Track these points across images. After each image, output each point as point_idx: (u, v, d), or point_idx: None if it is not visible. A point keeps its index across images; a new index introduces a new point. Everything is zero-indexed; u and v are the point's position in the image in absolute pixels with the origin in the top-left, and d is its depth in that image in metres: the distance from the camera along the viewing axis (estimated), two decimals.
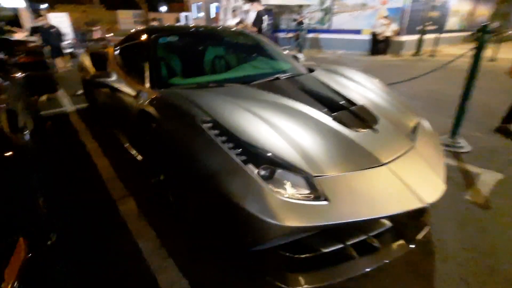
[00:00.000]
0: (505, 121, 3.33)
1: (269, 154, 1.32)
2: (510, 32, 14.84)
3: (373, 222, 1.46)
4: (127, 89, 2.25)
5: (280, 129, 1.49)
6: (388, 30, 10.43)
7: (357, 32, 11.77)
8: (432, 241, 1.77)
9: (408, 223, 1.62)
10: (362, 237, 1.42)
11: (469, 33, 14.07)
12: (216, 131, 1.41)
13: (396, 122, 1.84)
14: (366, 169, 1.41)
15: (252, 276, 1.50)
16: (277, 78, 2.28)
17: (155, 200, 2.14)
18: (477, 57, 2.71)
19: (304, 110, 1.71)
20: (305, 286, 1.27)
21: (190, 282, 1.50)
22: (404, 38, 10.94)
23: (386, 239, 1.52)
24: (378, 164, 1.46)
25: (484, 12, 16.00)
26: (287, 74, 2.41)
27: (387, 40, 10.68)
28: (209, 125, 1.45)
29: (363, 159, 1.46)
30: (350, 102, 1.92)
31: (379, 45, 10.73)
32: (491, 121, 3.74)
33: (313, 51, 13.01)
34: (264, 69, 2.56)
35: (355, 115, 1.75)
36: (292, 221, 1.16)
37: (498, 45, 9.15)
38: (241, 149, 1.33)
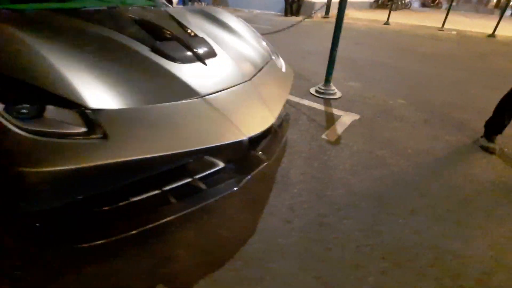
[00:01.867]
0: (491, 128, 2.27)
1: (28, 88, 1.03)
2: (404, 1, 16.61)
3: (202, 163, 1.37)
4: None
5: (65, 61, 1.19)
6: None
7: None
8: (276, 176, 1.80)
9: (245, 159, 1.58)
10: (185, 181, 1.31)
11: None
12: None
13: (240, 58, 1.73)
14: (174, 101, 1.25)
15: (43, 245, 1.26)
16: (116, 7, 1.92)
17: None
18: (339, 15, 2.78)
19: (121, 41, 1.44)
20: (103, 240, 1.11)
21: None
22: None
23: (219, 178, 1.45)
24: (194, 96, 1.31)
25: None
26: (134, 5, 2.05)
27: (299, 1, 10.76)
28: None
29: (177, 92, 1.30)
30: (190, 35, 1.71)
31: (292, 6, 10.78)
32: (368, 72, 4.10)
33: (230, 9, 12.42)
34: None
35: (188, 47, 1.55)
36: (48, 164, 0.94)
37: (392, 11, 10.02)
38: None
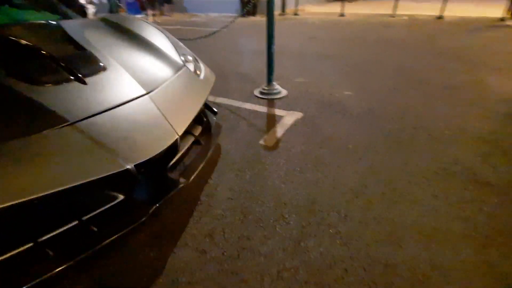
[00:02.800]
0: None
1: None
2: None
3: (91, 201, 1.16)
4: None
5: None
6: None
7: None
8: (201, 196, 1.60)
9: (153, 185, 1.38)
10: (66, 226, 1.09)
11: None
12: None
13: (140, 70, 1.53)
14: (32, 134, 1.03)
15: None
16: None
17: None
18: (269, 20, 2.64)
19: None
20: None
21: None
22: None
23: (118, 213, 1.24)
24: (61, 124, 1.09)
25: None
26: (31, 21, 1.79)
27: (254, 1, 10.66)
28: None
29: (37, 121, 1.07)
30: (74, 52, 1.49)
31: (248, 6, 10.67)
32: (318, 66, 4.01)
33: (186, 15, 12.14)
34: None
35: (63, 66, 1.33)
36: None
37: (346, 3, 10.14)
38: None
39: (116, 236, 1.18)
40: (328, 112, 2.57)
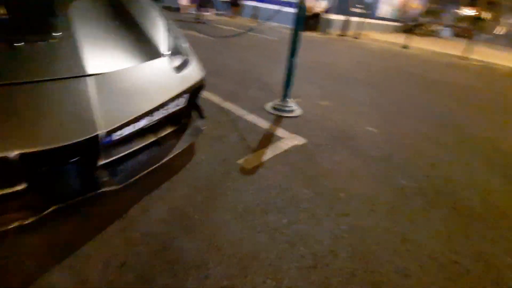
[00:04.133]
0: None
1: None
2: (435, 28, 15.78)
3: None
4: None
5: None
6: (317, 6, 10.13)
7: (291, 4, 11.30)
8: (126, 212, 1.32)
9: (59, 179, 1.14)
10: None
11: (401, 23, 14.59)
12: None
13: (101, 48, 1.34)
14: None
15: None
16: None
17: None
18: (296, 31, 2.31)
19: None
20: None
21: None
22: (334, 17, 10.77)
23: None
24: None
25: (417, 6, 16.72)
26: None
27: (317, 16, 10.41)
28: None
29: None
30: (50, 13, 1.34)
31: (309, 21, 10.43)
32: (351, 92, 3.57)
33: (248, 20, 12.29)
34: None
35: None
36: None
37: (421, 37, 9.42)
38: None
39: None
40: (337, 146, 2.14)
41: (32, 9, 1.37)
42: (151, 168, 1.38)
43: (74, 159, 1.13)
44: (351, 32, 10.66)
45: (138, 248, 1.14)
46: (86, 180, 1.19)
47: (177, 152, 1.54)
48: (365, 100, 3.35)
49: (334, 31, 10.85)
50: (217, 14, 11.25)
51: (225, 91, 3.01)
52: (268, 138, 2.15)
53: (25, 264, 1.03)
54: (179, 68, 1.59)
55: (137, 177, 1.30)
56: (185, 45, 1.79)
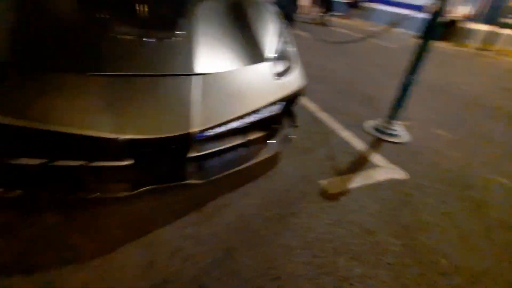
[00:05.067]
0: None
1: None
2: None
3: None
4: None
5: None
6: (456, 11, 8.55)
7: (419, 8, 9.89)
8: (201, 206, 1.36)
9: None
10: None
11: None
12: None
13: (213, 48, 1.42)
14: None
15: None
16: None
17: None
18: (425, 41, 1.91)
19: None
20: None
21: None
22: (475, 26, 8.89)
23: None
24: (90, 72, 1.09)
25: None
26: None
27: (453, 24, 8.81)
28: None
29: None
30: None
31: (443, 29, 8.93)
32: (483, 126, 2.85)
33: (367, 24, 11.43)
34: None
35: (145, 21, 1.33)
36: None
37: None
38: None
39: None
40: (448, 193, 1.72)
41: (161, 7, 1.53)
42: (234, 170, 1.39)
43: (170, 149, 1.22)
44: (496, 47, 8.60)
45: (203, 248, 1.15)
46: (177, 169, 1.27)
47: (262, 158, 1.51)
48: (502, 139, 2.61)
49: (473, 44, 8.98)
50: (333, 15, 10.79)
51: (324, 100, 2.83)
52: (360, 162, 1.90)
53: (110, 233, 1.18)
54: (281, 75, 1.54)
55: (220, 175, 1.33)
56: (292, 49, 1.72)
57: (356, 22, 11.54)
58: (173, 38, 1.35)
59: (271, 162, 1.73)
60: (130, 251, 1.11)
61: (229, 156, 1.46)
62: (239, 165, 1.42)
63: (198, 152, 1.29)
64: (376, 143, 2.18)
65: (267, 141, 1.62)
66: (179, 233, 1.21)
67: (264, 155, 1.54)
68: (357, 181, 1.70)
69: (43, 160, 1.11)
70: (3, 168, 1.10)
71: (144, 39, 1.27)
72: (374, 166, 1.88)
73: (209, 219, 1.30)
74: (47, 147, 1.11)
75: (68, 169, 1.12)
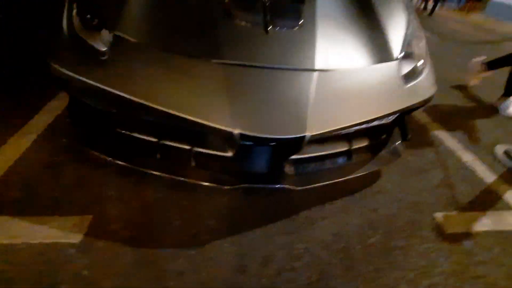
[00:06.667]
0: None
1: None
2: None
3: None
4: None
5: None
6: None
7: None
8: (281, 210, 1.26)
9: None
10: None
11: None
12: None
13: (335, 43, 1.27)
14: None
15: None
16: None
17: None
18: None
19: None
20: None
21: None
22: None
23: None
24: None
25: None
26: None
27: None
28: None
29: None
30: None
31: None
32: None
33: (488, 20, 9.36)
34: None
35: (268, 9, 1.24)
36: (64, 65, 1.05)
37: None
38: None
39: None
40: None
41: None
42: (334, 180, 1.25)
43: (276, 149, 1.14)
44: None
45: (296, 264, 1.06)
46: (274, 171, 1.20)
47: (366, 172, 1.33)
48: None
49: None
50: (443, 6, 8.95)
51: (441, 112, 2.36)
52: (488, 198, 1.53)
53: (204, 222, 1.18)
54: (408, 77, 1.29)
55: (317, 185, 1.22)
56: (422, 44, 1.44)
57: (472, 17, 9.55)
58: (295, 29, 1.23)
59: (373, 176, 1.52)
60: (223, 247, 1.09)
61: (329, 164, 1.32)
62: (339, 177, 1.28)
63: (299, 154, 1.19)
64: (508, 174, 1.72)
65: (373, 153, 1.42)
66: (271, 240, 1.14)
67: (368, 169, 1.36)
68: (484, 222, 1.37)
69: (154, 139, 1.16)
70: (118, 140, 1.19)
71: (266, 29, 1.19)
72: (507, 206, 1.49)
73: (302, 230, 1.20)
74: (160, 127, 1.14)
75: (175, 150, 1.14)
